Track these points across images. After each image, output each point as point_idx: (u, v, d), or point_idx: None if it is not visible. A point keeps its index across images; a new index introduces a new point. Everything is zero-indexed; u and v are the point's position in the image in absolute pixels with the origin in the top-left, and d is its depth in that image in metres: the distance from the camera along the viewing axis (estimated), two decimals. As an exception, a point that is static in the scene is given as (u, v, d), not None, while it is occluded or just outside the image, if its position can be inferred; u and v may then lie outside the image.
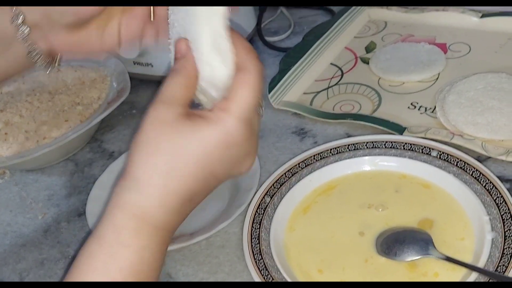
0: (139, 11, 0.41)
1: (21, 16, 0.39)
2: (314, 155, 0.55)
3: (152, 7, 0.41)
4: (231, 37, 0.35)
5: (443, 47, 0.68)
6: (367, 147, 0.55)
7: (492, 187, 0.48)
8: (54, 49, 0.41)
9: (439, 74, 0.64)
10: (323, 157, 0.55)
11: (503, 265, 0.42)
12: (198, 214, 0.54)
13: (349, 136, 0.60)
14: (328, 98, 0.66)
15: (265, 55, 0.78)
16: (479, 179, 0.49)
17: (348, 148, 0.55)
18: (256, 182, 0.54)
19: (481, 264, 0.43)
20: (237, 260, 0.50)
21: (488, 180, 0.48)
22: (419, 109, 0.60)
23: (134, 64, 0.75)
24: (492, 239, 0.44)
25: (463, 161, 0.50)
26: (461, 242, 0.45)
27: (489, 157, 0.53)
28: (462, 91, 0.57)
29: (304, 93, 0.67)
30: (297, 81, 0.68)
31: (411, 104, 0.61)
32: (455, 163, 0.51)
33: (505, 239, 0.43)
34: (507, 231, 0.44)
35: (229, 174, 0.36)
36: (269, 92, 0.67)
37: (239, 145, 0.35)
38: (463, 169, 0.50)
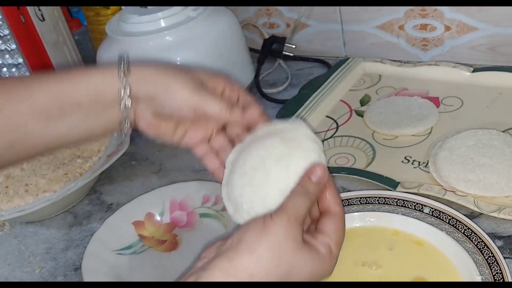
0: (204, 130, 0.47)
1: (128, 89, 0.43)
2: None
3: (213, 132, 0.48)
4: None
5: (436, 101, 0.69)
6: (360, 203, 0.55)
7: (484, 246, 0.48)
8: (137, 123, 0.46)
9: (432, 128, 0.66)
10: None
11: None
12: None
13: (344, 189, 0.60)
14: (323, 151, 0.67)
15: (262, 107, 0.80)
16: (471, 237, 0.49)
17: (342, 203, 0.56)
18: None
19: None
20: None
21: (480, 238, 0.49)
22: (412, 163, 0.61)
23: (135, 116, 0.76)
24: None
25: (455, 219, 0.51)
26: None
27: (482, 214, 0.53)
28: (454, 148, 0.58)
29: (300, 146, 0.68)
30: (293, 134, 0.69)
31: (405, 158, 0.62)
32: (447, 221, 0.51)
33: None
34: None
35: None
36: (266, 145, 0.68)
37: (330, 273, 0.41)
38: (455, 227, 0.50)
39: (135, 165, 0.75)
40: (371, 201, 0.55)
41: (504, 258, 0.49)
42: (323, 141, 0.68)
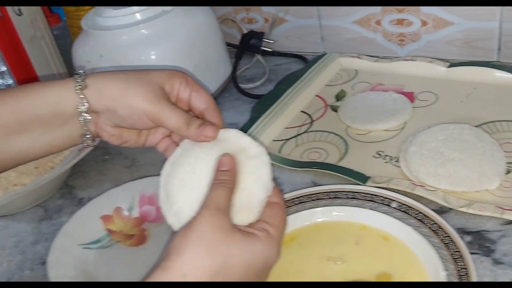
0: (161, 130, 0.49)
1: (86, 105, 0.44)
2: None
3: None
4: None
5: (411, 96, 0.69)
6: (329, 197, 0.55)
7: (450, 241, 0.47)
8: (99, 134, 0.47)
9: (405, 123, 0.65)
10: (287, 206, 0.55)
11: None
12: None
13: (315, 184, 0.60)
14: (296, 146, 0.66)
15: (239, 102, 0.79)
16: (438, 232, 0.48)
17: (310, 198, 0.55)
18: None
19: None
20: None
21: (446, 233, 0.48)
22: (384, 158, 0.61)
23: (109, 110, 0.75)
24: None
25: (422, 213, 0.50)
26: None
27: (451, 209, 0.53)
28: (424, 142, 0.57)
29: (274, 141, 0.68)
30: (267, 128, 0.69)
31: (377, 153, 0.62)
32: (414, 215, 0.51)
33: None
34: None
35: (260, 279, 0.41)
36: (239, 139, 0.68)
37: (275, 259, 0.41)
38: (422, 222, 0.50)
39: (108, 159, 0.74)
40: (340, 195, 0.55)
41: (472, 253, 0.48)
42: (296, 136, 0.68)
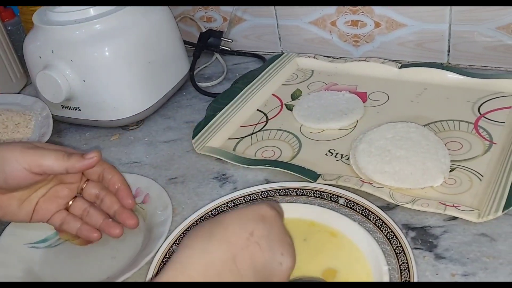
0: (59, 200, 0.48)
1: None
2: (227, 202, 0.55)
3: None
4: None
5: (363, 96, 0.70)
6: (279, 194, 0.55)
7: (393, 236, 0.48)
8: None
9: (357, 122, 0.66)
10: (236, 204, 0.55)
11: None
12: (107, 263, 0.53)
13: (268, 182, 0.60)
14: (251, 144, 0.67)
15: (196, 100, 0.79)
16: (381, 228, 0.49)
17: (261, 195, 0.56)
18: (167, 229, 0.53)
19: None
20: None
21: (390, 229, 0.49)
22: (335, 157, 0.62)
23: (62, 108, 0.74)
24: None
25: (367, 209, 0.51)
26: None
27: (398, 205, 0.54)
28: (373, 140, 0.59)
29: (229, 139, 0.68)
30: (223, 126, 0.69)
31: (329, 151, 0.63)
32: (361, 211, 0.52)
33: None
34: (403, 281, 0.45)
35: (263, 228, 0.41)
36: (193, 137, 0.67)
37: (269, 210, 0.43)
38: (367, 217, 0.51)
39: (61, 157, 0.72)
40: (290, 192, 0.55)
41: (415, 249, 0.50)
42: (251, 134, 0.68)
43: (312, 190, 0.55)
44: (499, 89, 0.66)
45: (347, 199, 0.53)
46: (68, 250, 0.56)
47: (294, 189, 0.55)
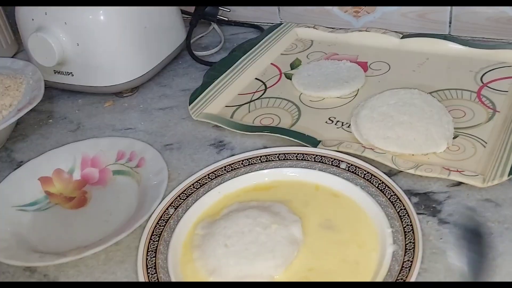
0: None
1: None
2: (224, 166, 0.54)
3: None
4: None
5: (364, 66, 0.69)
6: (278, 159, 0.54)
7: (397, 200, 0.47)
8: None
9: (358, 90, 0.65)
10: (234, 169, 0.54)
11: (402, 278, 0.41)
12: (99, 226, 0.52)
13: (266, 148, 0.59)
14: (249, 112, 0.65)
15: (193, 69, 0.77)
16: (384, 192, 0.48)
17: (260, 159, 0.54)
18: (162, 192, 0.52)
19: (380, 277, 0.42)
20: (136, 277, 0.47)
21: (393, 192, 0.48)
22: (336, 124, 0.60)
23: (55, 73, 0.72)
24: (393, 252, 0.43)
25: (370, 173, 0.50)
26: (367, 252, 0.45)
27: (400, 171, 0.53)
28: (375, 106, 0.57)
29: (226, 106, 0.66)
30: (220, 94, 0.67)
31: (329, 119, 0.61)
32: (363, 176, 0.50)
33: (405, 252, 0.43)
34: (408, 244, 0.44)
35: None
36: (190, 104, 0.66)
37: None
38: (370, 182, 0.50)
39: (52, 123, 0.70)
40: (289, 157, 0.54)
41: (419, 214, 0.48)
42: (249, 102, 0.67)
43: (313, 154, 0.53)
44: (502, 59, 0.65)
45: (349, 164, 0.52)
46: (58, 214, 0.54)
47: (294, 153, 0.54)
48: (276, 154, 0.54)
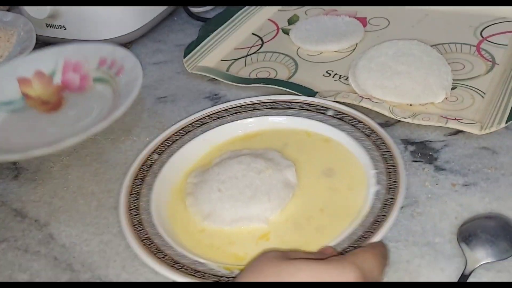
0: None
1: None
2: (210, 114, 0.53)
3: None
4: None
5: (363, 21, 0.68)
6: (265, 107, 0.53)
7: (382, 143, 0.47)
8: None
9: (356, 45, 0.64)
10: (221, 117, 0.53)
11: (383, 214, 0.41)
12: (71, 127, 0.51)
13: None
14: (245, 65, 0.64)
15: (188, 25, 0.76)
16: (370, 136, 0.48)
17: (246, 108, 0.54)
18: (137, 89, 0.52)
19: (362, 214, 0.42)
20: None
21: (378, 136, 0.48)
22: (333, 77, 0.59)
23: (47, 26, 0.70)
24: (377, 191, 0.43)
25: (356, 119, 0.50)
26: (356, 193, 0.44)
27: (397, 121, 0.52)
28: (373, 57, 0.56)
29: (222, 60, 0.65)
30: (216, 48, 0.66)
31: (326, 72, 0.60)
32: (348, 121, 0.50)
33: (388, 191, 0.43)
34: (391, 183, 0.43)
35: None
36: (185, 57, 0.65)
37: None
38: (356, 127, 0.49)
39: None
40: (276, 105, 0.53)
41: (415, 161, 0.48)
42: (246, 56, 0.66)
43: (300, 102, 0.53)
44: (502, 15, 0.63)
45: (335, 110, 0.51)
46: (31, 116, 0.53)
47: (281, 102, 0.53)
48: (263, 103, 0.54)
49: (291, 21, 0.71)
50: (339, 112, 0.51)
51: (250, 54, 0.66)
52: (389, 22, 0.67)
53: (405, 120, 0.51)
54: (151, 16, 0.73)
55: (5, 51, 0.64)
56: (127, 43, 0.72)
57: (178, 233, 0.43)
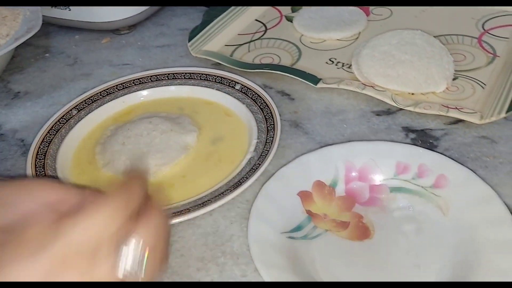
0: None
1: None
2: (132, 80, 0.59)
3: None
4: None
5: (366, 11, 0.68)
6: (184, 78, 0.59)
7: (270, 116, 0.51)
8: None
9: (359, 34, 0.65)
10: (141, 83, 0.59)
11: (248, 176, 0.45)
12: None
13: (266, 87, 0.59)
14: (249, 51, 0.65)
15: (191, 10, 0.76)
16: (263, 110, 0.52)
17: (167, 76, 0.59)
18: None
19: (233, 173, 0.47)
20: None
21: (270, 111, 0.52)
22: (336, 64, 0.60)
23: (52, 7, 0.70)
24: (251, 158, 0.48)
25: (257, 94, 0.54)
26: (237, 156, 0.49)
27: (400, 109, 0.53)
28: (377, 46, 0.57)
29: (226, 45, 0.66)
30: (220, 33, 0.67)
31: (329, 59, 0.61)
32: (251, 96, 0.54)
33: (258, 158, 0.47)
34: (263, 151, 0.47)
35: None
36: (189, 40, 0.65)
37: None
38: (255, 101, 0.54)
39: (48, 57, 0.69)
40: (194, 76, 0.59)
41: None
42: (249, 42, 0.66)
43: (214, 75, 0.58)
44: (504, 8, 0.64)
45: (242, 85, 0.56)
46: None
47: (198, 73, 0.59)
48: (181, 73, 0.59)
49: (294, 9, 0.71)
50: (244, 86, 0.56)
51: (254, 40, 0.66)
52: (391, 12, 0.68)
53: (407, 108, 0.52)
54: (155, -1, 0.73)
55: (11, 30, 0.64)
56: (130, 26, 0.72)
57: (77, 177, 0.49)
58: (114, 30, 0.72)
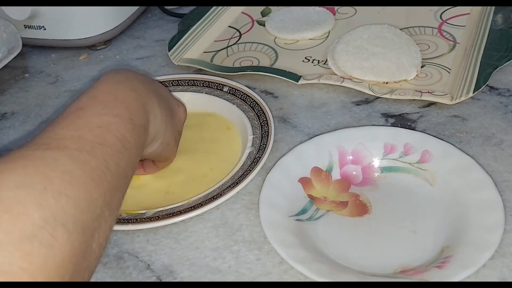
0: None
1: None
2: None
3: None
4: None
5: (332, 10, 0.73)
6: (172, 85, 0.61)
7: (262, 114, 0.54)
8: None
9: (329, 32, 0.69)
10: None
11: (250, 169, 0.49)
12: None
13: (249, 88, 0.62)
14: (228, 56, 0.68)
15: (163, 21, 0.79)
16: (254, 108, 0.56)
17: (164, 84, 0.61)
18: None
19: (236, 169, 0.50)
20: None
21: (260, 108, 0.55)
22: (312, 62, 0.64)
23: (25, 28, 0.71)
24: (250, 152, 0.51)
25: (246, 95, 0.57)
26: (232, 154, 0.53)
27: (377, 97, 0.58)
28: (350, 41, 0.62)
29: (204, 52, 0.69)
30: (197, 41, 0.69)
31: (305, 58, 0.65)
32: (240, 96, 0.58)
33: (257, 152, 0.50)
34: (261, 145, 0.51)
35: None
36: (169, 50, 0.68)
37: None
38: (245, 101, 0.57)
39: (28, 77, 0.70)
40: (181, 83, 0.61)
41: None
42: (227, 47, 0.69)
43: (201, 80, 0.61)
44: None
45: (230, 87, 0.59)
46: None
47: (186, 80, 0.62)
48: (170, 81, 0.62)
49: (264, 13, 0.75)
50: (232, 88, 0.59)
51: (231, 45, 0.69)
52: (356, 10, 0.73)
53: (384, 96, 0.57)
54: (128, 13, 0.75)
55: (-10, 53, 0.65)
56: (106, 41, 0.74)
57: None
58: (90, 46, 0.74)
